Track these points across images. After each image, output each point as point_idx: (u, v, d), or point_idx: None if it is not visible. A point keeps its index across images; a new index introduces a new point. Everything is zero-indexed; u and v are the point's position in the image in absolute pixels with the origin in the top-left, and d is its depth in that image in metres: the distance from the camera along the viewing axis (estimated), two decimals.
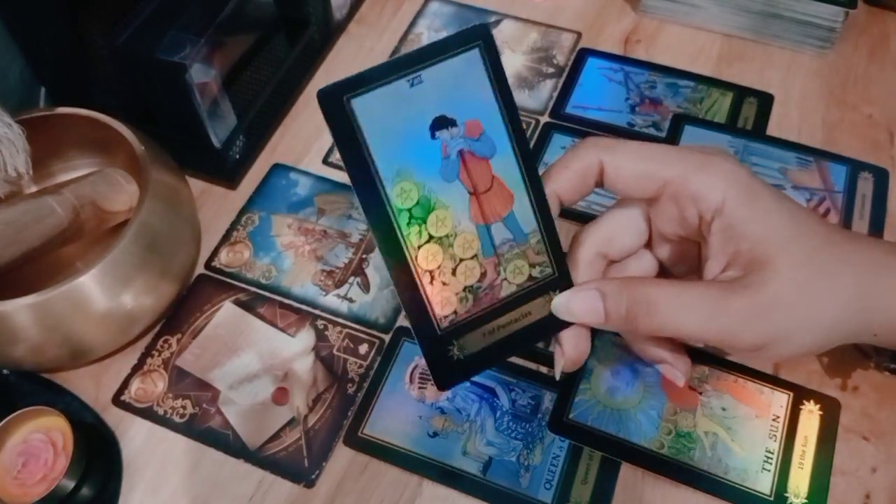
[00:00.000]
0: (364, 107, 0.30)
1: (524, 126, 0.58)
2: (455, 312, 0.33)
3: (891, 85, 0.59)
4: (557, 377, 0.36)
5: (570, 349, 0.35)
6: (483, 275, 0.33)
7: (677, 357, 0.35)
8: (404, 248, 0.32)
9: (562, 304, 0.34)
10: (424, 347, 0.33)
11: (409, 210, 0.32)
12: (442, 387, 0.34)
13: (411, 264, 0.32)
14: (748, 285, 0.30)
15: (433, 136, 0.31)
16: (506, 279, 0.34)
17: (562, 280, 0.34)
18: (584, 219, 0.50)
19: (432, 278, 0.33)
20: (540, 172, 0.34)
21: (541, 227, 0.33)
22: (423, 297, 0.33)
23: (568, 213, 0.51)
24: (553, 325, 0.35)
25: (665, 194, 0.33)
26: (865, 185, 0.53)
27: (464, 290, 0.33)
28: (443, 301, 0.33)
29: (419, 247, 0.32)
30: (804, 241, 0.31)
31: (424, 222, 0.32)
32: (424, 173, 0.31)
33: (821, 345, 0.32)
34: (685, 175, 0.32)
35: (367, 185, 0.31)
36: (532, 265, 0.34)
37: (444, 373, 0.34)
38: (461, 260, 0.33)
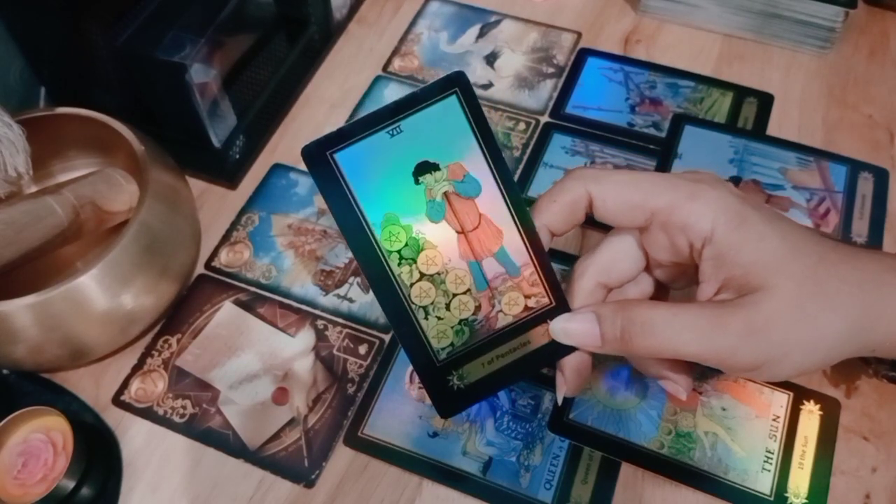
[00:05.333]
0: (347, 159, 0.32)
1: (525, 126, 0.58)
2: (452, 345, 0.34)
3: (891, 85, 0.59)
4: (559, 402, 0.37)
5: (571, 376, 0.35)
6: (478, 308, 0.34)
7: (678, 374, 0.35)
8: (397, 286, 0.33)
9: (559, 327, 0.34)
10: (424, 379, 0.35)
11: (399, 252, 0.33)
12: (444, 415, 0.36)
13: (405, 301, 0.33)
14: (743, 305, 0.30)
15: (417, 182, 0.33)
16: (501, 311, 0.34)
17: (559, 308, 0.35)
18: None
19: (427, 314, 0.34)
20: (532, 185, 0.34)
21: (533, 259, 0.34)
22: (420, 331, 0.34)
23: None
24: (553, 353, 0.35)
25: (654, 223, 0.33)
26: (865, 185, 0.53)
27: (459, 323, 0.34)
28: (439, 334, 0.34)
29: (411, 285, 0.33)
30: (799, 262, 0.31)
31: (415, 262, 0.33)
32: (411, 216, 0.33)
33: (819, 364, 0.32)
34: (673, 205, 0.32)
35: (356, 232, 0.32)
36: (527, 296, 0.35)
37: (445, 402, 0.35)
38: (454, 295, 0.34)
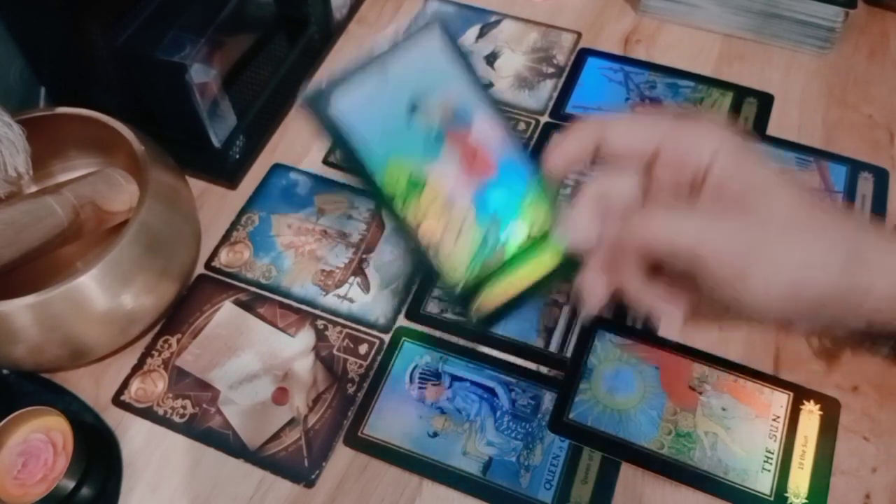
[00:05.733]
0: (344, 108, 0.33)
1: (525, 126, 0.58)
2: (465, 277, 0.35)
3: (891, 85, 0.59)
4: (585, 322, 0.37)
5: (591, 294, 0.35)
6: (484, 239, 0.35)
7: (672, 304, 0.36)
8: (406, 227, 0.34)
9: (563, 226, 0.35)
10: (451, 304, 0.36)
11: (403, 193, 0.34)
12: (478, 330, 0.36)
13: (415, 240, 0.34)
14: (738, 210, 0.32)
15: (411, 121, 0.34)
16: (508, 240, 0.35)
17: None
18: None
19: (437, 250, 0.34)
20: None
21: (533, 187, 0.35)
22: (434, 267, 0.34)
23: None
24: (562, 273, 0.36)
25: (660, 158, 0.35)
26: (865, 185, 0.53)
27: (469, 256, 0.35)
28: (451, 269, 0.35)
29: (418, 224, 0.34)
30: (795, 193, 0.33)
31: (419, 201, 0.34)
32: (410, 156, 0.34)
33: (802, 285, 0.32)
34: (678, 137, 0.34)
35: (364, 177, 0.33)
36: (531, 224, 0.35)
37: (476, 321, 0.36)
38: (461, 228, 0.35)
